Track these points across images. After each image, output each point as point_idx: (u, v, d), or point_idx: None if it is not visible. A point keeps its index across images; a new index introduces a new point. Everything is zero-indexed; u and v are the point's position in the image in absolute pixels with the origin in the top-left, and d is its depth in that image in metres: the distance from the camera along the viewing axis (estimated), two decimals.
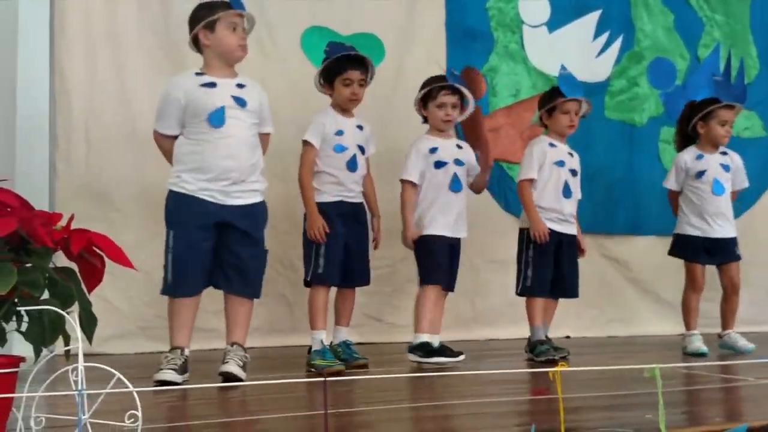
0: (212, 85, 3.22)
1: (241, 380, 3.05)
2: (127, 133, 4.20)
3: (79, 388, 1.48)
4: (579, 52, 5.61)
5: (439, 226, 3.83)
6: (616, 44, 5.74)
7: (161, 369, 3.02)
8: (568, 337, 5.06)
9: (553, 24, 5.58)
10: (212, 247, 3.19)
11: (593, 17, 5.67)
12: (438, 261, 3.80)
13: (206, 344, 3.80)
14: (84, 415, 1.49)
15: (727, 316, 4.57)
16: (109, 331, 3.82)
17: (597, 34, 5.70)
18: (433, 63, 4.59)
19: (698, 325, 4.49)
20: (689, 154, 4.60)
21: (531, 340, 4.03)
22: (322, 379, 1.64)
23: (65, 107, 4.13)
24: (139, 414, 1.50)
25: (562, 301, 4.21)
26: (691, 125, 4.62)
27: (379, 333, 4.59)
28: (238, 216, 3.20)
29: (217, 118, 3.17)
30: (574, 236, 4.20)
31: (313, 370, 3.45)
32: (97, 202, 4.08)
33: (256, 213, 3.29)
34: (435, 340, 3.77)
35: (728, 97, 4.63)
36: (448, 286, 3.90)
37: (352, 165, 3.69)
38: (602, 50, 5.72)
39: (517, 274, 4.14)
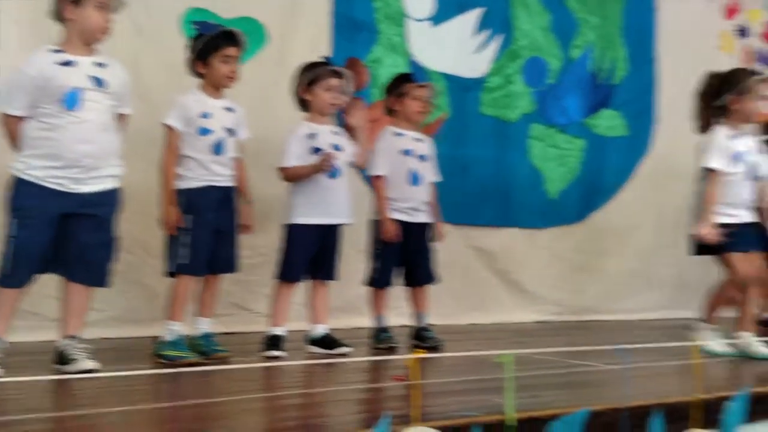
0: (69, 63, 3.05)
1: (98, 371, 2.93)
2: None
3: None
4: (459, 47, 5.73)
5: (310, 215, 3.81)
6: (496, 42, 5.87)
7: None
8: (432, 324, 5.18)
9: (438, 19, 5.67)
10: (54, 236, 3.04)
11: (475, 14, 5.78)
12: (297, 255, 3.79)
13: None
14: None
15: None
16: None
17: (478, 31, 5.84)
18: (317, 51, 4.59)
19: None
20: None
21: (375, 328, 4.11)
22: (175, 370, 1.64)
23: None
24: None
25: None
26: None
27: (246, 323, 4.49)
28: (89, 203, 3.07)
29: (71, 101, 3.01)
30: (425, 224, 4.23)
31: (163, 361, 3.35)
32: None
33: (109, 200, 3.16)
34: (318, 330, 3.81)
35: None
36: (325, 277, 3.88)
37: (217, 149, 3.57)
38: (482, 47, 5.86)
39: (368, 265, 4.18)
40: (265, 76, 4.70)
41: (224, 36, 3.61)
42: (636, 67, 6.37)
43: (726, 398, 2.57)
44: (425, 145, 4.30)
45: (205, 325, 3.65)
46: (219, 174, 3.60)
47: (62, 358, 3.04)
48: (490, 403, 2.33)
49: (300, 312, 3.97)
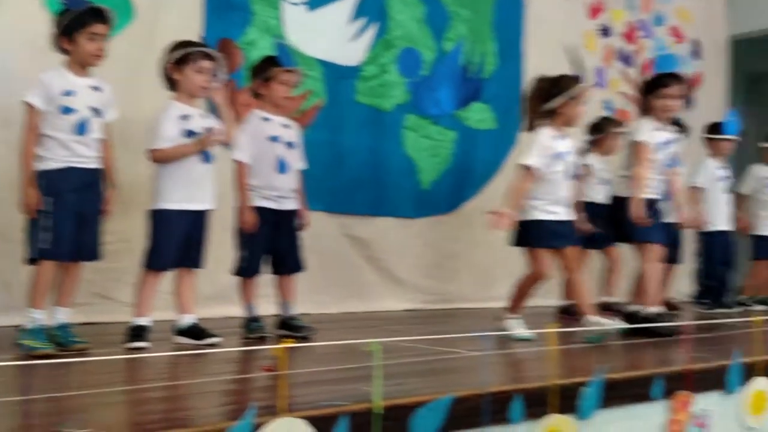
0: None
1: None
2: None
3: None
4: (336, 34, 5.71)
5: (179, 200, 3.70)
6: (371, 31, 5.89)
7: None
8: (306, 313, 5.18)
9: (313, 3, 5.63)
10: None
11: (351, 1, 5.79)
12: (165, 242, 3.67)
13: None
14: None
15: None
16: None
17: (354, 19, 5.83)
18: (189, 30, 4.47)
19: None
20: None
21: (245, 318, 4.07)
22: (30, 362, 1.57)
23: None
24: None
25: (301, 277, 4.29)
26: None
27: (109, 312, 4.33)
28: None
29: None
30: (292, 212, 4.17)
31: (23, 350, 3.22)
32: None
33: None
34: (185, 320, 3.72)
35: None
36: (192, 264, 3.78)
37: (80, 129, 3.43)
38: (357, 35, 5.86)
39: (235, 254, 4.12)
40: (133, 54, 4.53)
41: (92, 12, 3.45)
42: (505, 62, 6.54)
43: (582, 384, 2.70)
44: (293, 132, 4.24)
45: (63, 315, 3.49)
46: (82, 155, 3.45)
47: None
48: (358, 392, 2.34)
49: (168, 301, 3.87)
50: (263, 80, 4.14)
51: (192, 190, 3.73)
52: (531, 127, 4.28)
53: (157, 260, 3.69)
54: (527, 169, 4.11)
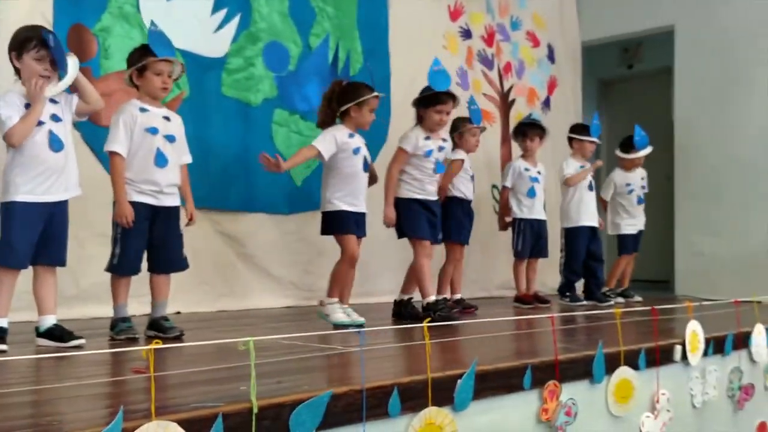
0: None
1: None
2: None
3: None
4: (198, 24, 5.56)
5: (32, 191, 3.51)
6: (234, 22, 5.77)
7: None
8: (179, 312, 5.04)
9: None
10: None
11: None
12: (19, 237, 3.46)
13: None
14: None
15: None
16: None
17: (215, 9, 5.69)
18: (38, 15, 4.23)
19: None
20: None
21: (114, 318, 3.90)
22: None
23: None
24: None
25: (172, 277, 4.10)
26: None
27: None
28: None
29: None
30: (172, 207, 4.01)
31: None
32: None
33: None
34: (47, 321, 3.55)
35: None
36: (52, 262, 3.59)
37: None
38: (220, 26, 5.73)
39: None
40: None
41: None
42: (371, 61, 6.58)
43: (457, 377, 2.73)
44: (174, 124, 4.06)
45: None
46: None
47: None
48: (234, 392, 2.28)
49: (30, 301, 3.64)
50: (138, 70, 3.95)
51: (45, 179, 3.53)
52: (323, 125, 4.72)
53: (10, 256, 3.47)
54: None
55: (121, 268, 3.89)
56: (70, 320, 3.66)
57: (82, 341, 3.49)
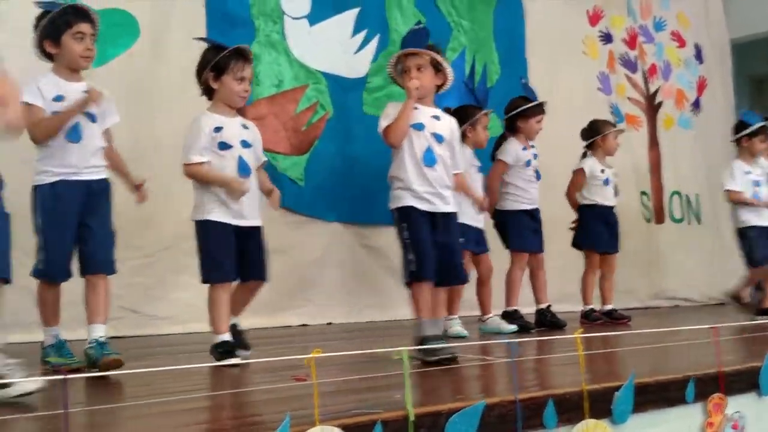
0: None
1: None
2: None
3: None
4: (339, 47, 5.73)
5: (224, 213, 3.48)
6: (374, 42, 5.90)
7: None
8: (330, 323, 5.19)
9: (314, 18, 5.64)
10: None
11: (351, 14, 5.81)
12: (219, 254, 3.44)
13: None
14: None
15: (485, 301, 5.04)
16: None
17: (355, 32, 5.83)
18: (194, 44, 4.44)
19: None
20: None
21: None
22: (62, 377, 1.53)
23: None
24: None
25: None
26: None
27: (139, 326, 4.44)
28: None
29: None
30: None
31: (49, 367, 3.16)
32: None
33: None
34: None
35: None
36: (251, 277, 3.55)
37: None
38: (360, 47, 5.86)
39: None
40: (139, 69, 4.55)
41: (74, 12, 3.32)
42: (508, 71, 6.56)
43: (614, 389, 2.64)
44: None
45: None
46: (75, 165, 3.27)
47: None
48: (389, 400, 2.30)
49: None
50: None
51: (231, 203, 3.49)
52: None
53: (215, 273, 3.46)
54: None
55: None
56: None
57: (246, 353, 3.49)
